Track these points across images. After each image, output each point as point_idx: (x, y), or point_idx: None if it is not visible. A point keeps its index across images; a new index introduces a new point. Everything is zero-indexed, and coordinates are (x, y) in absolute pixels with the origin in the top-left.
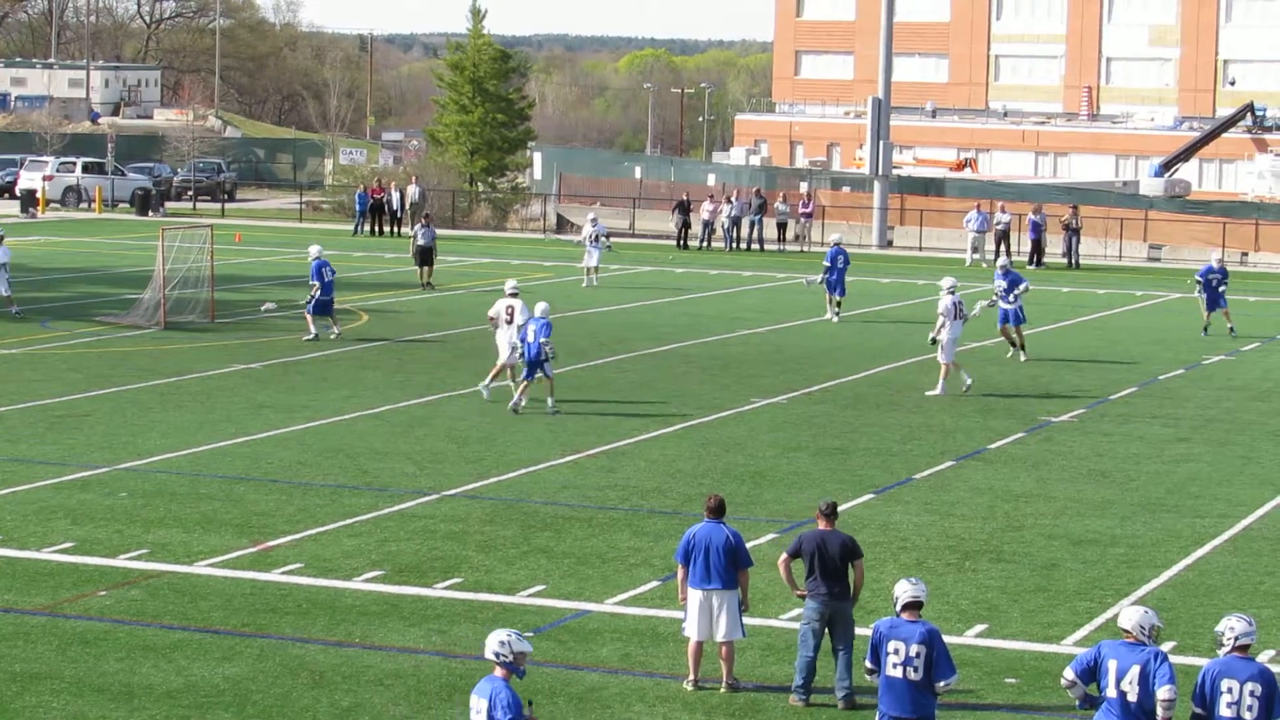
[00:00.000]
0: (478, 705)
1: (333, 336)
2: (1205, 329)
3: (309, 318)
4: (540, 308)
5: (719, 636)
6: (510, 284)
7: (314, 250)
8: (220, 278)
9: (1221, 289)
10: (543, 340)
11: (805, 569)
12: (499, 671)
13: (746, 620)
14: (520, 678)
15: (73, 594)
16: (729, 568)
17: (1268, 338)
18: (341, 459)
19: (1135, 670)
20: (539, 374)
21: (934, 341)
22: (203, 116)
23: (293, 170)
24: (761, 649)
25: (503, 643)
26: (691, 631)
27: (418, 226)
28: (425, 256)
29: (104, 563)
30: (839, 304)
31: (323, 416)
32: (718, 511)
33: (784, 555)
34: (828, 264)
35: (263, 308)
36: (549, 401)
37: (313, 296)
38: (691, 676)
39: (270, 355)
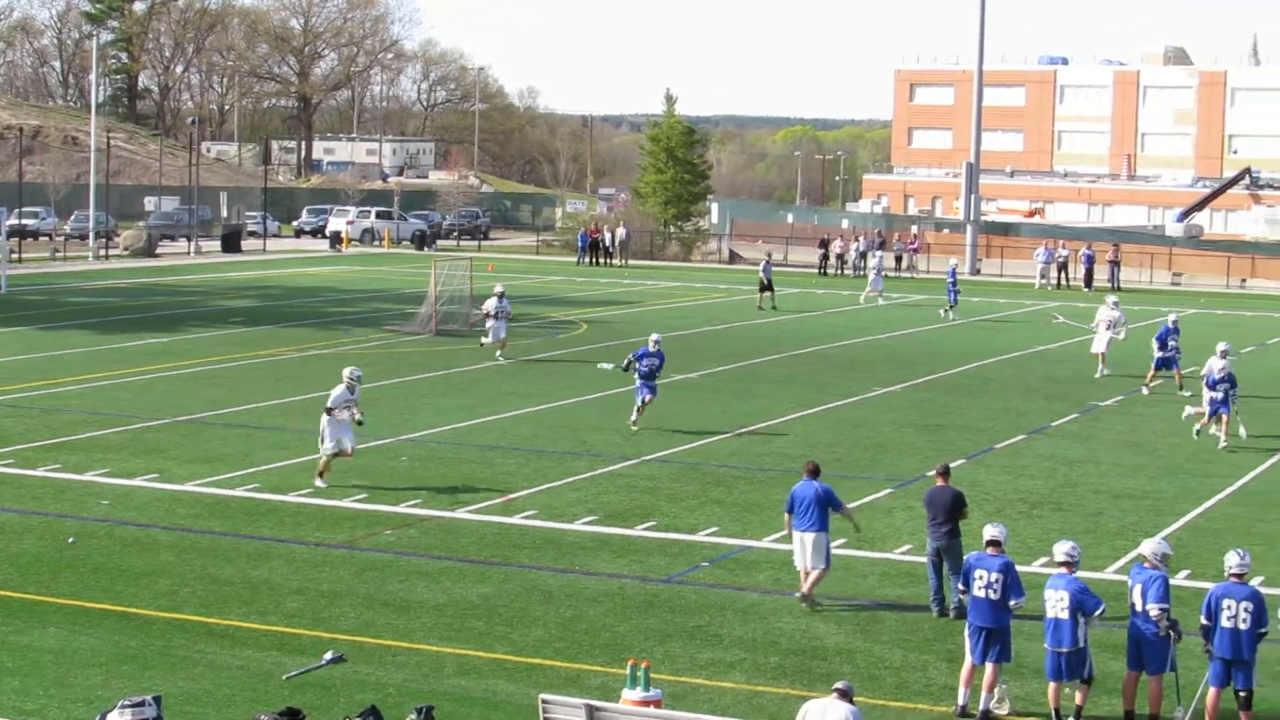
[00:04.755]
0: None
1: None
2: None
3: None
4: (653, 339)
5: (808, 565)
6: (498, 287)
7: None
8: (478, 297)
9: (1173, 353)
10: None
11: (928, 515)
12: None
13: (865, 554)
14: None
15: (365, 532)
16: (820, 514)
17: (1260, 343)
18: (566, 432)
19: (1139, 588)
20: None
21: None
22: (465, 176)
23: (531, 216)
24: (880, 575)
25: None
26: (798, 561)
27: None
28: (766, 285)
29: (389, 509)
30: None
31: (552, 400)
32: (814, 473)
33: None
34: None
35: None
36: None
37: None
38: (801, 591)
39: (513, 355)
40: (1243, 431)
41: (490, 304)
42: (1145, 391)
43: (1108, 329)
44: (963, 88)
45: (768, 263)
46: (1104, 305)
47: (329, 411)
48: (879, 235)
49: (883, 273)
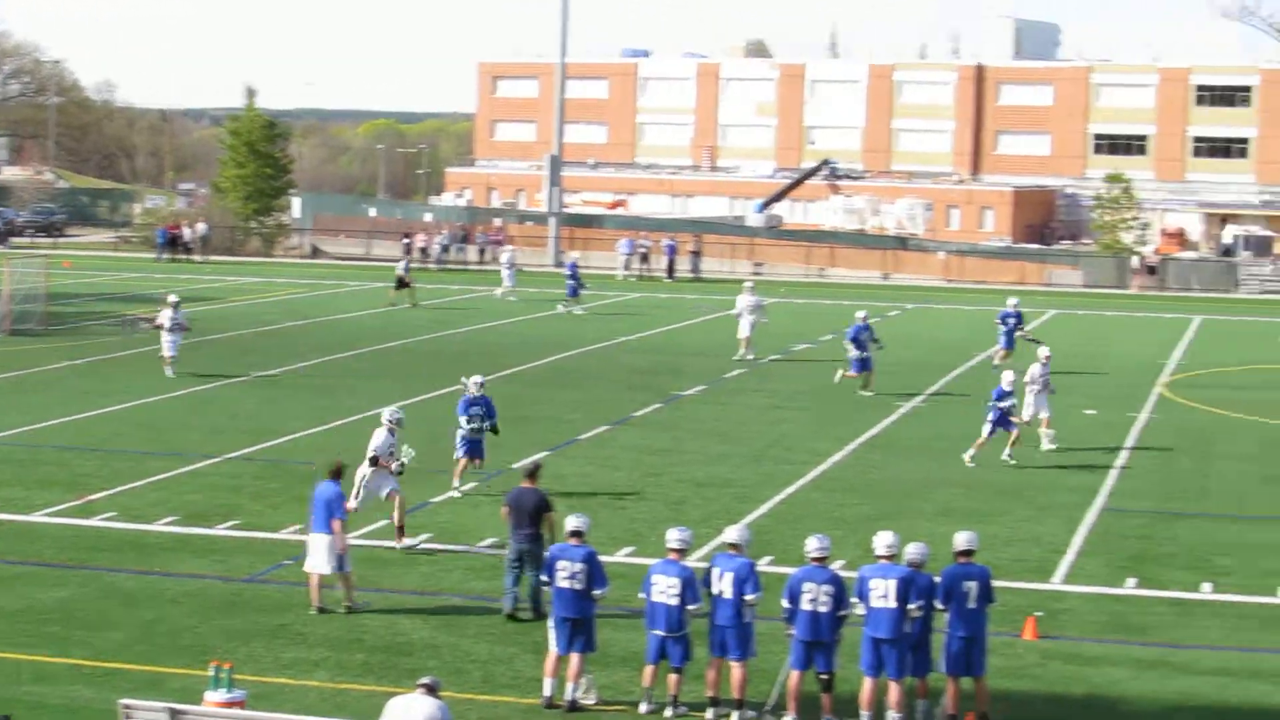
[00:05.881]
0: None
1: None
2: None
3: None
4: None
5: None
6: (171, 297)
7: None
8: (52, 295)
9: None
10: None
11: (510, 518)
12: None
13: (450, 547)
14: None
15: None
16: (327, 517)
17: (839, 330)
18: (147, 431)
19: (731, 576)
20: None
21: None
22: (40, 172)
23: (110, 212)
24: (464, 569)
25: None
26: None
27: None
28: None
29: None
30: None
31: (132, 399)
32: (335, 474)
33: (504, 507)
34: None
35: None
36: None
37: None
38: (315, 603)
39: (92, 354)
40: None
41: (164, 316)
42: (870, 394)
43: (750, 314)
44: (546, 80)
45: (406, 261)
46: (743, 293)
47: (373, 462)
48: (461, 229)
49: (514, 268)
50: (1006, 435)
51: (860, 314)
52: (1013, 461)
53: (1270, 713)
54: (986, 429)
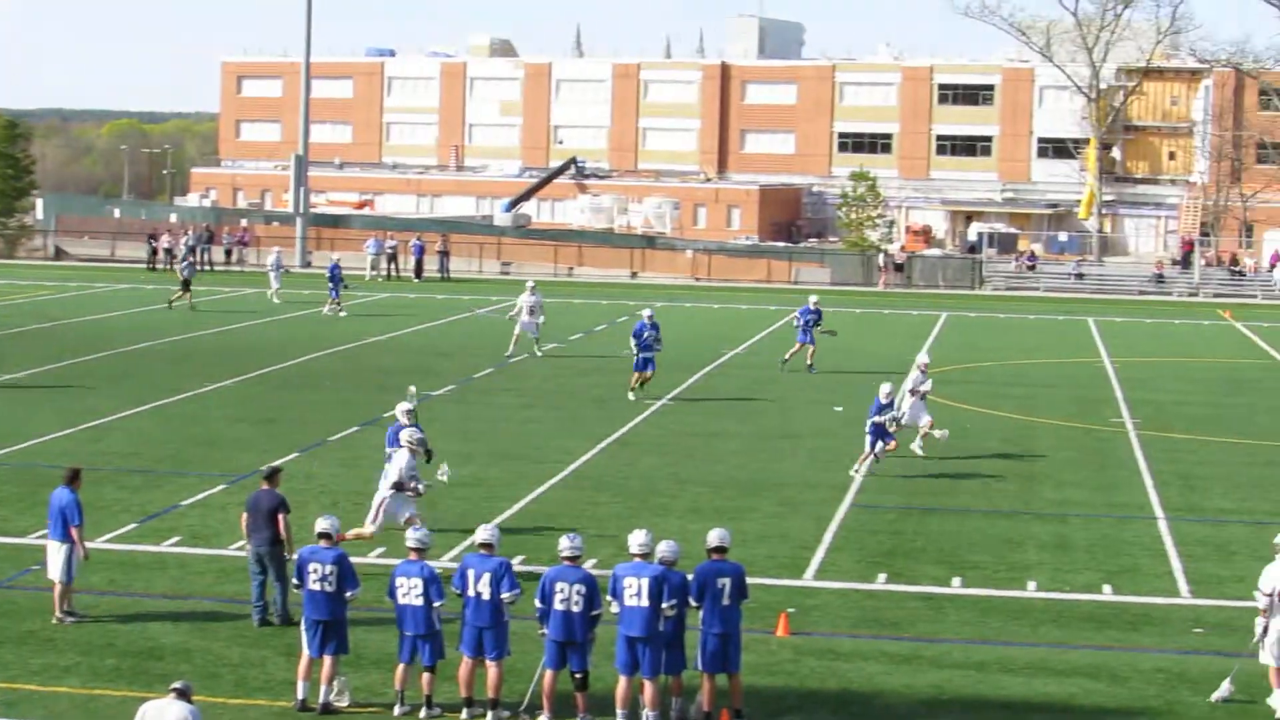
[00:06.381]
0: None
1: None
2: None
3: None
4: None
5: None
6: None
7: None
8: None
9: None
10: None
11: (248, 520)
12: None
13: (199, 551)
14: None
15: None
16: (63, 524)
17: (589, 329)
18: None
19: (488, 575)
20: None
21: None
22: None
23: None
24: (216, 573)
25: None
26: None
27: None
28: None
29: None
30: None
31: None
32: (69, 480)
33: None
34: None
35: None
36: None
37: None
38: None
39: None
40: (936, 433)
41: None
42: (632, 398)
43: (529, 314)
44: (291, 80)
45: (190, 262)
46: (524, 292)
47: (398, 487)
48: (207, 229)
49: (281, 269)
50: (885, 446)
51: (646, 311)
52: (860, 476)
53: (1022, 704)
54: (868, 442)
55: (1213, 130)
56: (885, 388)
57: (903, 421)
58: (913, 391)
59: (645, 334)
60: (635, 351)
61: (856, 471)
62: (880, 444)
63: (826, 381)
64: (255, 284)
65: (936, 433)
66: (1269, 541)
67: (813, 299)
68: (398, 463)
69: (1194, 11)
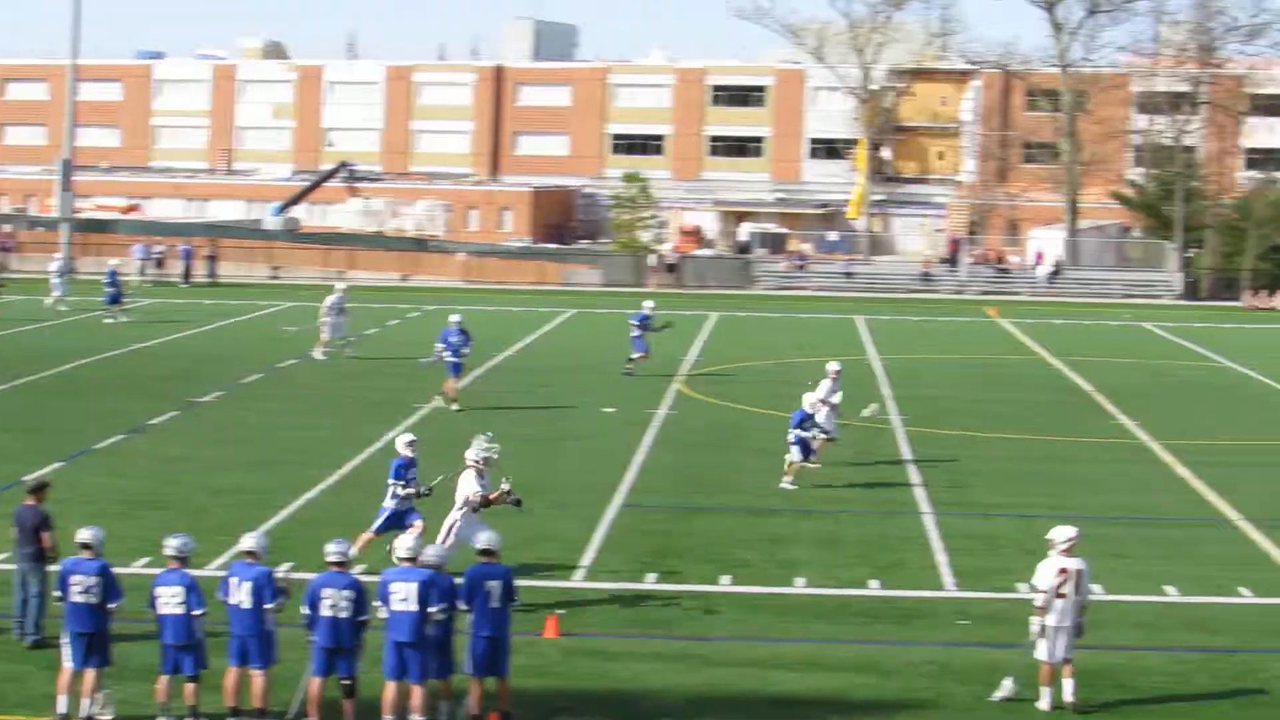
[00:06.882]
0: None
1: None
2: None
3: None
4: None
5: None
6: None
7: None
8: None
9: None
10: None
11: (15, 535)
12: None
13: None
14: None
15: None
16: None
17: (359, 333)
18: None
19: (250, 584)
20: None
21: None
22: None
23: None
24: None
25: None
26: None
27: None
28: None
29: None
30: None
31: None
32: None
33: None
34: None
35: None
36: None
37: None
38: None
39: None
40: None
41: None
42: (456, 409)
43: (334, 315)
44: (56, 82)
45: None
46: (331, 294)
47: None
48: None
49: (65, 276)
50: (807, 459)
51: (454, 317)
52: (793, 487)
53: (793, 700)
54: (795, 452)
55: (980, 130)
56: (809, 398)
57: (829, 432)
58: (824, 401)
59: (451, 338)
60: (445, 358)
61: (790, 484)
62: (811, 457)
63: (598, 383)
64: (26, 290)
65: (866, 410)
66: (1036, 535)
67: (648, 304)
68: (464, 484)
69: (964, 14)
